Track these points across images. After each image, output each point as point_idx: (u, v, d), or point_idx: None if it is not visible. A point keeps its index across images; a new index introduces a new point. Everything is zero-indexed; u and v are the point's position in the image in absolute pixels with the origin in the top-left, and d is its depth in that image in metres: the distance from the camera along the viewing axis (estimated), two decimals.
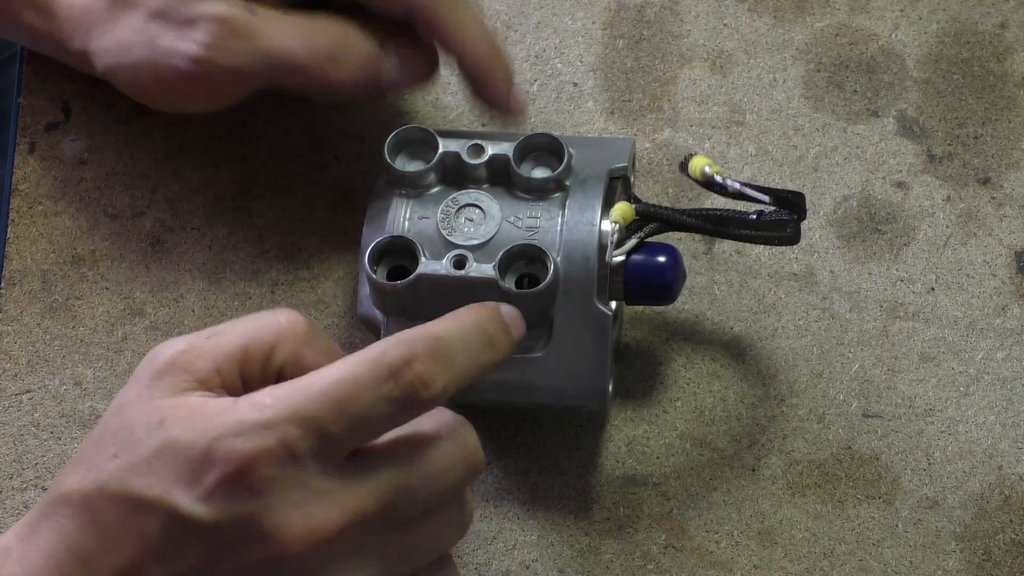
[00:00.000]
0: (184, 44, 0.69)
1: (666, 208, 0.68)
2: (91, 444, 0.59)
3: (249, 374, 0.60)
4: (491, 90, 0.72)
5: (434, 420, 0.60)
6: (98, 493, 0.57)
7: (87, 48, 0.73)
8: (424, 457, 0.59)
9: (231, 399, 0.58)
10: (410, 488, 0.59)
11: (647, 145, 0.78)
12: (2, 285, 0.76)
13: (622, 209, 0.67)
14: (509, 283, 0.65)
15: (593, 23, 0.81)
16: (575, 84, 0.80)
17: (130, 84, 0.72)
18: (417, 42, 0.73)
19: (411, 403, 0.58)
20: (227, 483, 0.56)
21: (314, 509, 0.57)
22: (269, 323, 0.61)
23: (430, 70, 0.74)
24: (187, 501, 0.56)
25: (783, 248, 0.75)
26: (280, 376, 0.60)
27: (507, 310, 0.63)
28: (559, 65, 0.80)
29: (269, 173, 0.78)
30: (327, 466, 0.57)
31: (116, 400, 0.60)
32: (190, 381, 0.58)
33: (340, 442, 0.57)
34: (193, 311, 0.75)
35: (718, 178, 0.67)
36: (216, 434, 0.56)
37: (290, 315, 0.61)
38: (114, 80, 0.73)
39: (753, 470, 0.72)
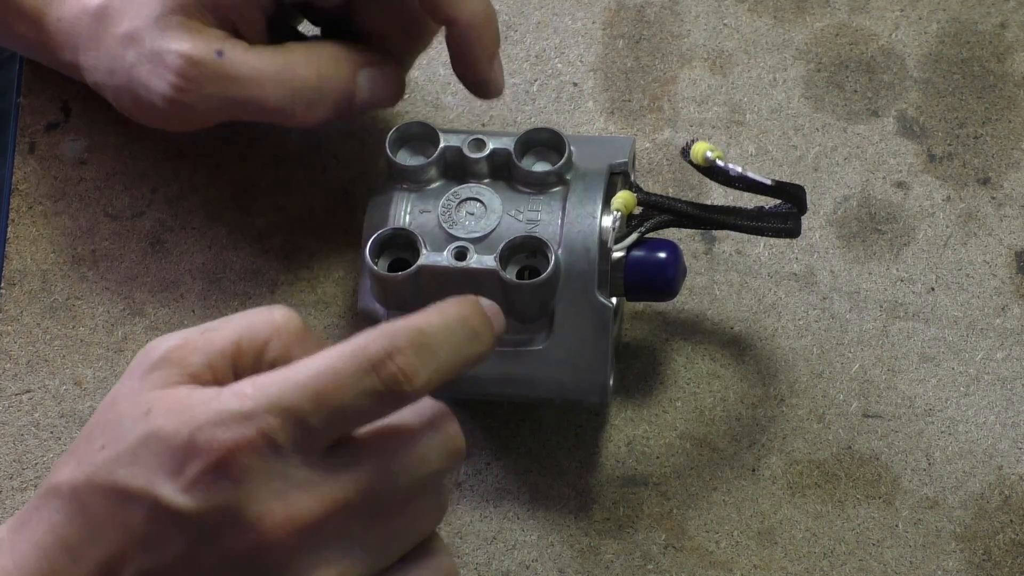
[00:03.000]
0: (156, 81, 0.69)
1: (667, 197, 0.68)
2: (83, 437, 0.59)
3: (242, 370, 0.60)
4: (477, 57, 0.71)
5: (415, 410, 0.60)
6: (85, 485, 0.57)
7: (76, 61, 0.73)
8: (406, 447, 0.59)
9: (216, 389, 0.58)
10: (392, 476, 0.59)
11: (647, 145, 0.78)
12: (2, 285, 0.76)
13: (624, 198, 0.66)
14: (510, 274, 0.65)
15: (593, 23, 0.81)
16: (575, 84, 0.80)
17: (115, 104, 0.73)
18: (387, 61, 0.73)
19: (392, 396, 0.58)
20: (209, 473, 0.56)
21: (295, 498, 0.57)
22: (264, 319, 0.61)
23: (399, 91, 0.74)
24: (170, 491, 0.56)
25: (783, 248, 0.75)
26: None
27: (488, 303, 0.62)
28: (559, 65, 0.80)
29: (269, 173, 0.78)
30: (308, 457, 0.57)
31: (110, 394, 0.60)
32: (181, 375, 0.59)
33: (320, 433, 0.57)
34: (193, 311, 0.75)
35: (720, 163, 0.67)
36: (197, 424, 0.56)
37: (285, 312, 0.61)
38: (102, 95, 0.73)
39: (753, 470, 0.72)
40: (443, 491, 0.62)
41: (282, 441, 0.57)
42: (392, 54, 0.74)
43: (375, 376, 0.57)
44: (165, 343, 0.60)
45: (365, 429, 0.60)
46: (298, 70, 0.70)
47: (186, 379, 0.59)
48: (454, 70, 0.72)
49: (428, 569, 0.61)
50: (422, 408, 0.60)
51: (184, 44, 0.69)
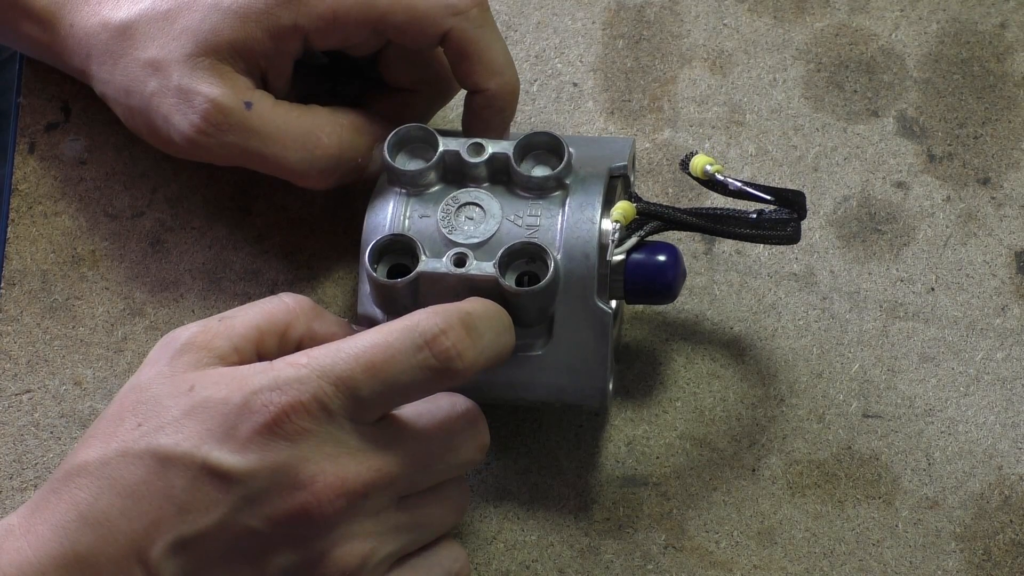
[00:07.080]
0: (177, 118, 0.69)
1: (667, 207, 0.68)
2: (106, 421, 0.59)
3: (266, 354, 0.61)
4: (495, 126, 0.71)
5: (452, 402, 0.63)
6: (120, 457, 0.58)
7: (87, 70, 0.73)
8: (444, 430, 0.62)
9: (266, 363, 0.59)
10: (430, 459, 0.61)
11: (647, 145, 0.78)
12: (2, 285, 0.76)
13: (623, 208, 0.67)
14: (509, 281, 0.65)
15: (593, 23, 0.81)
16: (575, 84, 0.80)
17: (125, 121, 0.73)
18: None
19: (444, 372, 0.60)
20: (263, 432, 0.57)
21: (346, 463, 0.59)
22: (277, 305, 0.63)
23: None
24: (220, 453, 0.57)
25: (783, 248, 0.75)
26: (299, 351, 0.61)
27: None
28: (559, 65, 0.80)
29: None
30: (359, 426, 0.59)
31: (131, 382, 0.61)
32: (211, 358, 0.60)
33: (371, 404, 0.59)
34: (193, 311, 0.75)
35: (719, 176, 0.67)
36: (252, 389, 0.58)
37: (294, 296, 0.64)
38: (111, 107, 0.73)
39: (753, 470, 0.72)
40: (465, 490, 0.64)
41: (334, 407, 0.58)
42: (414, 107, 0.74)
43: (428, 351, 0.59)
44: (186, 331, 0.61)
45: (407, 412, 0.62)
46: (322, 137, 0.70)
47: (216, 362, 0.60)
48: (463, 126, 0.72)
49: (444, 557, 0.63)
50: (457, 401, 0.63)
51: (214, 89, 0.69)
